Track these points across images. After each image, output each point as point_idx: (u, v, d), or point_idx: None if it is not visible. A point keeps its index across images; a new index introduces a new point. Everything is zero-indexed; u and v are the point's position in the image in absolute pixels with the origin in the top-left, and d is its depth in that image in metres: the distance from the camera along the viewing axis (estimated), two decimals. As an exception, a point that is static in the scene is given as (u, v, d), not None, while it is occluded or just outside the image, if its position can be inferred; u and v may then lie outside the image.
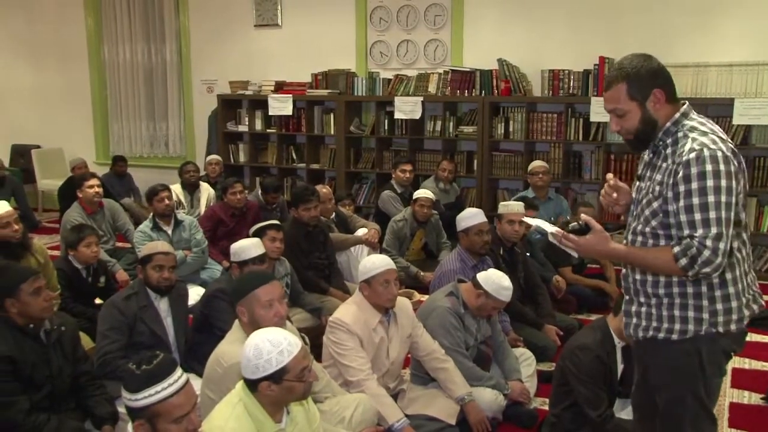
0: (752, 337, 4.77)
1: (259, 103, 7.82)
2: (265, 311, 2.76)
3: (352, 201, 6.73)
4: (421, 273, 5.58)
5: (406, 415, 3.20)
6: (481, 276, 3.52)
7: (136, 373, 2.05)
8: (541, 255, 5.20)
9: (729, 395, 3.91)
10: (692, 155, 2.07)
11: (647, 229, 2.21)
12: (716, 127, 2.18)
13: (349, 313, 3.30)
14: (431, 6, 7.27)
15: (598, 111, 6.22)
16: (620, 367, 3.17)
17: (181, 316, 3.72)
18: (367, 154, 7.58)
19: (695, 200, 2.04)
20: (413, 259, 5.82)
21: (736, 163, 2.09)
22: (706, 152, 2.05)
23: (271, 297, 2.78)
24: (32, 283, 2.93)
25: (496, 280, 3.46)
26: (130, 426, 2.10)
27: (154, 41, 8.76)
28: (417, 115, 6.99)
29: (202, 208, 6.68)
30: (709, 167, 2.04)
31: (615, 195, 2.43)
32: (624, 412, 3.24)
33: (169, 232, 5.41)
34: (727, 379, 4.10)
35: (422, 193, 5.83)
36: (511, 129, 6.82)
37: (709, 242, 2.02)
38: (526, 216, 4.41)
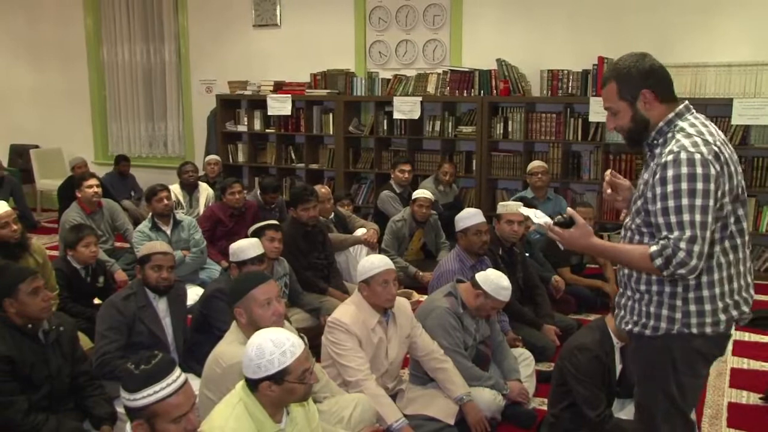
0: (750, 336, 4.77)
1: (258, 103, 7.82)
2: (264, 310, 2.76)
3: (351, 201, 6.73)
4: (420, 273, 5.58)
5: (405, 415, 3.20)
6: (479, 276, 3.52)
7: (134, 373, 2.05)
8: (540, 255, 5.20)
9: (727, 395, 3.91)
10: (670, 157, 2.09)
11: (633, 226, 2.27)
12: (708, 129, 2.17)
13: (347, 313, 3.30)
14: (430, 6, 7.27)
15: (597, 111, 6.22)
16: (619, 367, 3.17)
17: (180, 316, 3.72)
18: (366, 154, 7.58)
19: (670, 203, 2.07)
20: (412, 259, 5.82)
21: (717, 166, 2.08)
22: (683, 155, 2.07)
23: (269, 296, 2.78)
24: (30, 283, 2.93)
25: (494, 280, 3.46)
26: (128, 426, 2.09)
27: (153, 41, 8.76)
28: (416, 115, 6.99)
29: (201, 208, 6.68)
30: (684, 170, 2.06)
31: (609, 191, 2.48)
32: (623, 412, 3.24)
33: (168, 232, 5.41)
34: (726, 379, 4.10)
35: (421, 193, 5.84)
36: (510, 129, 6.82)
37: (683, 244, 2.05)
38: (524, 207, 4.46)
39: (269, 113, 7.67)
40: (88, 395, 3.10)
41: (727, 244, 2.19)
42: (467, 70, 6.93)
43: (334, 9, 7.65)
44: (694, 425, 2.39)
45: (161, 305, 3.62)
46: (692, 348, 2.22)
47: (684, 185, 2.05)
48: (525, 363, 3.86)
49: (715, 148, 2.10)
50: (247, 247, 3.83)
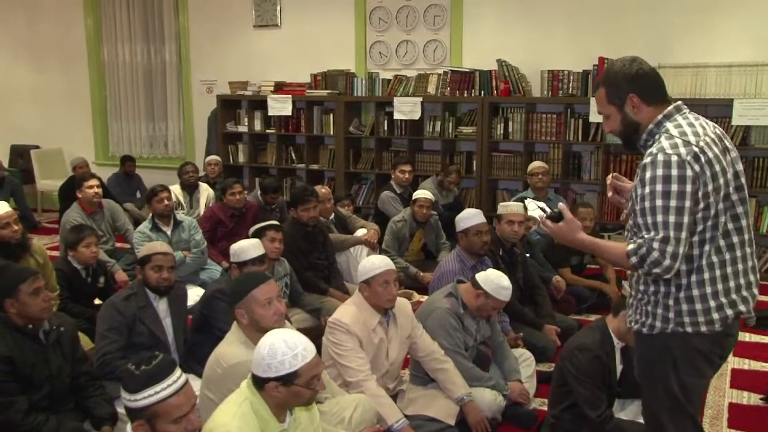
0: (751, 337, 4.77)
1: (259, 103, 7.82)
2: (265, 310, 2.76)
3: (352, 201, 6.73)
4: (421, 273, 5.58)
5: (406, 416, 3.20)
6: (480, 276, 3.52)
7: (135, 373, 2.05)
8: (541, 256, 5.20)
9: (728, 395, 3.91)
10: (648, 159, 2.15)
11: (628, 226, 2.33)
12: (693, 129, 2.18)
13: (348, 313, 3.30)
14: (431, 6, 7.27)
15: (597, 112, 6.21)
16: (619, 367, 3.17)
17: (180, 316, 3.72)
18: (367, 155, 7.58)
19: (647, 204, 2.12)
20: (412, 260, 5.82)
21: (697, 167, 2.10)
22: (660, 157, 2.12)
23: (269, 295, 2.79)
24: (31, 284, 2.93)
25: (495, 280, 3.46)
26: (129, 426, 2.09)
27: (154, 42, 8.76)
28: (416, 116, 6.99)
29: (202, 209, 6.68)
30: (659, 172, 2.10)
31: (610, 193, 2.54)
32: (623, 412, 3.24)
33: (169, 232, 5.41)
34: (727, 380, 4.10)
35: (421, 193, 5.83)
36: (510, 129, 6.82)
37: (656, 245, 2.09)
38: (529, 199, 4.49)
39: (270, 113, 7.67)
40: (88, 395, 3.10)
41: (721, 242, 2.19)
42: (468, 70, 6.93)
43: (335, 9, 7.65)
44: (701, 428, 2.40)
45: (162, 306, 3.61)
46: (691, 346, 2.23)
47: (659, 187, 2.10)
48: (525, 363, 3.86)
49: (696, 149, 2.12)
50: (247, 247, 3.83)
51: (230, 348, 2.76)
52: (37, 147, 9.20)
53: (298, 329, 3.25)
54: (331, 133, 7.56)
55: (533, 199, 4.92)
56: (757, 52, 6.03)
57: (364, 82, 7.37)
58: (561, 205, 2.40)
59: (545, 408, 3.49)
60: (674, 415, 2.30)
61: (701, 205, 2.13)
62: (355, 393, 3.11)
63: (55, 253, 5.91)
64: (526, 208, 4.87)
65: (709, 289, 2.20)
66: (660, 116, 2.25)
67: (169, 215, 5.46)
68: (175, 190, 6.62)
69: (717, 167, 2.15)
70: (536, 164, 6.18)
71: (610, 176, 2.57)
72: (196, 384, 2.56)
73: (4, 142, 9.41)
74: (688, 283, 2.21)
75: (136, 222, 6.55)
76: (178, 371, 2.10)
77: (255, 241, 3.98)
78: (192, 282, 5.24)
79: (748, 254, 2.27)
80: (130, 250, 5.66)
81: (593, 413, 3.01)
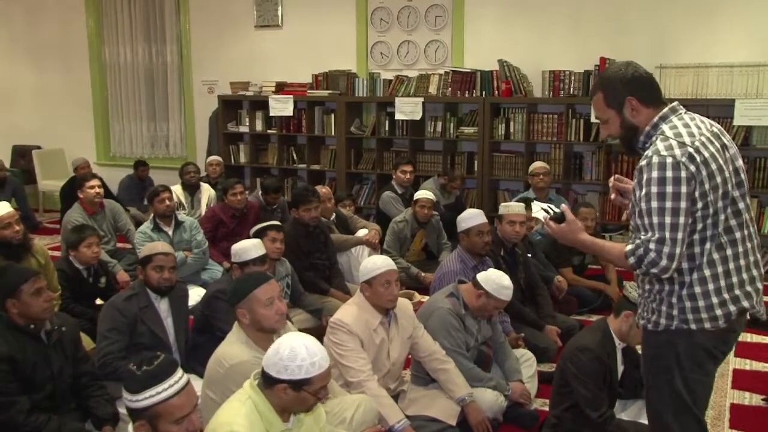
0: (753, 338, 4.77)
1: (260, 103, 7.82)
2: (266, 310, 2.76)
3: (353, 202, 6.74)
4: (422, 274, 5.58)
5: (407, 416, 3.19)
6: (480, 276, 3.51)
7: (136, 374, 2.05)
8: (542, 256, 5.20)
9: (730, 396, 3.91)
10: (644, 162, 2.18)
11: (632, 227, 2.33)
12: (689, 129, 2.20)
13: (349, 313, 3.30)
14: (432, 7, 7.27)
15: (598, 112, 6.22)
16: (620, 368, 3.17)
17: (182, 316, 3.72)
18: (368, 155, 7.58)
19: (643, 205, 2.15)
20: (414, 260, 5.82)
21: (692, 167, 2.12)
22: (655, 159, 2.14)
23: (271, 295, 2.79)
24: (33, 284, 2.93)
25: (496, 280, 3.46)
26: (130, 426, 2.09)
27: (155, 42, 8.77)
28: (417, 116, 6.99)
29: (203, 209, 6.68)
30: (654, 174, 2.13)
31: (613, 196, 2.57)
32: (625, 413, 3.25)
33: (170, 233, 5.42)
34: (728, 380, 4.10)
35: (423, 194, 5.83)
36: (511, 130, 6.82)
37: (652, 245, 2.12)
38: (535, 202, 4.80)
39: (271, 114, 7.68)
40: (90, 396, 3.10)
41: (723, 239, 2.21)
42: (469, 70, 6.93)
43: (336, 9, 7.65)
44: (707, 428, 2.41)
45: (163, 306, 3.62)
46: (695, 343, 2.25)
47: (654, 189, 2.13)
48: (527, 364, 3.86)
49: (691, 149, 2.13)
50: (249, 247, 3.84)
51: (232, 348, 2.76)
52: (39, 147, 9.21)
53: (300, 330, 3.26)
54: (333, 133, 7.56)
55: (536, 200, 4.97)
56: (759, 52, 6.03)
57: (365, 82, 7.37)
58: (563, 206, 2.45)
59: (546, 408, 3.48)
60: (679, 414, 2.31)
61: (699, 205, 2.15)
62: (356, 393, 3.10)
63: (57, 254, 5.92)
64: (530, 208, 4.89)
65: (711, 286, 2.21)
66: (656, 118, 2.27)
67: (170, 215, 5.46)
68: (177, 190, 6.63)
69: (714, 166, 2.16)
70: (537, 165, 6.18)
71: (612, 178, 2.60)
72: (197, 384, 2.56)
73: (5, 142, 9.42)
74: (690, 281, 2.22)
75: (139, 224, 6.56)
76: (179, 371, 2.10)
77: (256, 241, 3.98)
78: (193, 282, 5.25)
79: (750, 249, 2.27)
80: (132, 250, 5.66)
81: (594, 414, 3.01)
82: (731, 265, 2.22)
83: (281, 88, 7.70)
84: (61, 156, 9.15)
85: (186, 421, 2.06)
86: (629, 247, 2.18)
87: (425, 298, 4.71)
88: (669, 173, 2.11)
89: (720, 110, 5.94)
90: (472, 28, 7.13)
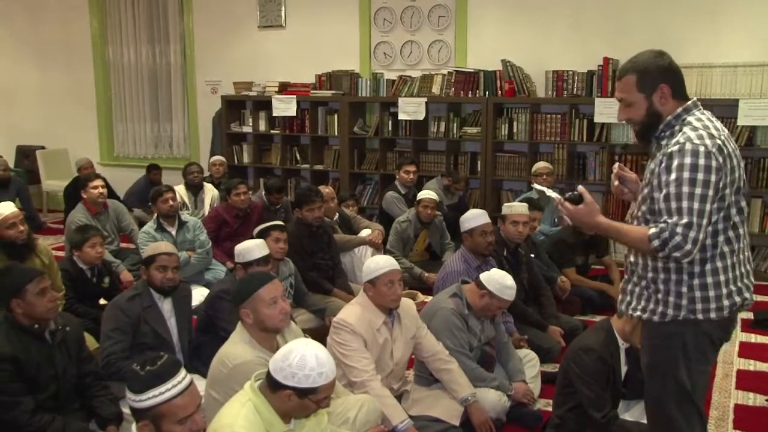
0: (756, 338, 4.76)
1: (263, 104, 7.83)
2: (270, 309, 2.77)
3: (356, 202, 6.74)
4: (425, 274, 5.58)
5: (410, 416, 3.19)
6: (483, 276, 3.51)
7: (140, 374, 2.05)
8: (546, 256, 5.19)
9: (734, 397, 3.90)
10: (675, 148, 2.21)
11: (639, 214, 2.37)
12: (713, 124, 2.28)
13: (353, 313, 3.31)
14: (435, 7, 7.27)
15: (602, 112, 6.22)
16: (624, 368, 3.16)
17: (185, 316, 3.73)
18: (371, 155, 7.58)
19: (672, 189, 2.18)
20: (417, 260, 5.82)
21: (720, 159, 2.19)
22: (688, 146, 2.18)
23: (275, 294, 2.79)
24: (37, 284, 2.94)
25: (499, 279, 3.46)
26: (134, 426, 2.10)
27: (159, 42, 8.78)
28: (421, 116, 6.99)
29: (206, 209, 6.69)
30: (688, 160, 2.17)
31: (616, 183, 2.57)
32: (628, 413, 3.24)
33: (173, 233, 5.42)
34: (732, 381, 4.09)
35: (426, 194, 5.83)
36: (515, 130, 6.81)
37: (679, 229, 2.15)
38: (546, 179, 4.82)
39: (274, 114, 7.68)
40: (93, 395, 3.11)
41: (730, 234, 2.29)
42: (472, 70, 6.92)
43: (339, 10, 7.66)
44: (706, 418, 2.46)
45: (166, 306, 3.63)
46: (701, 332, 2.31)
47: (686, 174, 2.16)
48: (530, 364, 3.86)
49: (719, 142, 2.21)
50: (252, 247, 3.84)
51: (235, 348, 2.76)
52: (43, 147, 9.23)
53: (303, 330, 3.27)
54: (336, 133, 7.57)
55: (533, 207, 4.95)
56: (763, 52, 6.01)
57: (368, 82, 7.38)
58: (580, 187, 2.40)
59: (550, 409, 3.48)
60: (682, 405, 2.35)
61: (718, 196, 2.21)
62: (359, 393, 3.11)
63: (61, 254, 5.93)
64: (532, 203, 4.89)
65: (722, 277, 2.28)
66: (680, 109, 2.32)
67: (173, 215, 5.47)
68: (180, 190, 6.63)
69: (734, 161, 2.25)
70: (541, 165, 6.17)
71: (616, 165, 2.63)
72: (200, 384, 2.56)
73: (9, 142, 9.44)
74: (702, 271, 2.27)
75: (143, 224, 6.57)
76: (182, 372, 2.11)
77: (259, 241, 3.99)
78: (196, 282, 5.26)
79: (746, 245, 2.39)
80: (135, 250, 5.67)
81: (598, 414, 3.01)
82: (735, 259, 2.31)
83: (284, 88, 7.70)
84: (65, 156, 9.16)
85: (189, 422, 2.07)
86: (653, 230, 2.19)
87: (428, 299, 4.70)
88: (702, 161, 2.16)
89: (724, 110, 5.92)
90: (475, 28, 7.12)
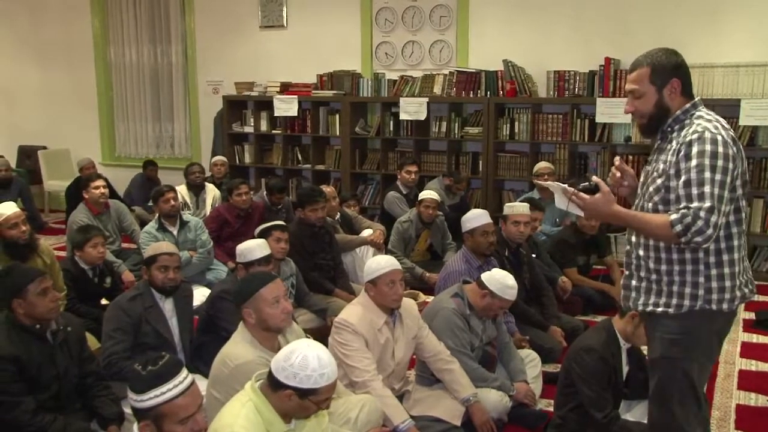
0: (758, 338, 4.76)
1: (265, 104, 7.83)
2: (273, 309, 2.77)
3: (358, 202, 6.74)
4: (427, 274, 5.58)
5: (411, 416, 3.19)
6: (485, 276, 3.51)
7: (141, 374, 2.05)
8: (547, 256, 5.19)
9: (735, 397, 3.89)
10: (694, 136, 2.26)
11: (650, 205, 2.38)
12: (722, 120, 2.35)
13: (354, 313, 3.31)
14: (437, 7, 7.26)
15: (603, 112, 6.22)
16: (625, 368, 3.16)
17: (186, 316, 3.73)
18: (373, 155, 7.58)
19: (693, 176, 2.21)
20: (418, 260, 5.82)
21: (734, 149, 2.25)
22: (707, 134, 2.24)
23: (277, 294, 2.79)
24: (39, 284, 2.94)
25: (500, 279, 3.46)
26: (135, 426, 2.10)
27: (160, 43, 8.79)
28: (422, 116, 6.99)
29: (208, 209, 6.69)
30: (708, 147, 2.22)
31: (618, 174, 2.62)
32: (630, 413, 3.24)
33: (175, 232, 5.43)
34: (734, 381, 4.09)
35: (427, 194, 5.83)
36: (516, 130, 6.81)
37: (702, 213, 2.17)
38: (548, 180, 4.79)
39: (276, 114, 7.68)
40: (95, 395, 3.11)
41: (739, 227, 2.35)
42: (474, 71, 6.92)
43: (341, 10, 7.66)
44: (707, 401, 2.53)
45: (167, 306, 3.63)
46: (713, 327, 2.36)
47: (707, 161, 2.21)
48: (532, 364, 3.86)
49: (732, 134, 2.29)
50: (253, 247, 3.84)
51: (237, 348, 2.76)
52: (44, 148, 9.24)
53: (304, 330, 3.27)
54: (337, 133, 7.57)
55: (535, 207, 4.95)
56: (765, 51, 6.00)
57: (370, 82, 7.38)
58: (595, 177, 2.41)
59: (551, 409, 3.48)
60: (684, 398, 2.38)
61: (732, 185, 2.26)
62: (361, 393, 3.11)
63: (62, 254, 5.94)
64: (534, 203, 4.88)
65: (736, 268, 2.35)
66: (688, 105, 2.39)
67: (175, 215, 5.47)
68: (182, 190, 6.64)
69: (743, 154, 2.32)
70: (542, 165, 6.17)
71: (617, 158, 2.66)
72: (202, 384, 2.57)
73: (11, 142, 9.45)
74: (719, 261, 2.31)
75: (144, 224, 6.58)
76: (184, 372, 2.11)
77: (261, 241, 3.99)
78: (198, 282, 5.26)
79: (746, 243, 2.45)
80: (137, 250, 5.68)
81: (599, 414, 3.01)
82: (741, 253, 2.36)
83: (286, 88, 7.70)
84: (67, 156, 9.17)
85: (191, 421, 2.07)
86: (674, 216, 2.20)
87: (430, 299, 4.70)
88: (721, 149, 2.21)
89: (726, 110, 5.90)
90: (476, 28, 7.12)
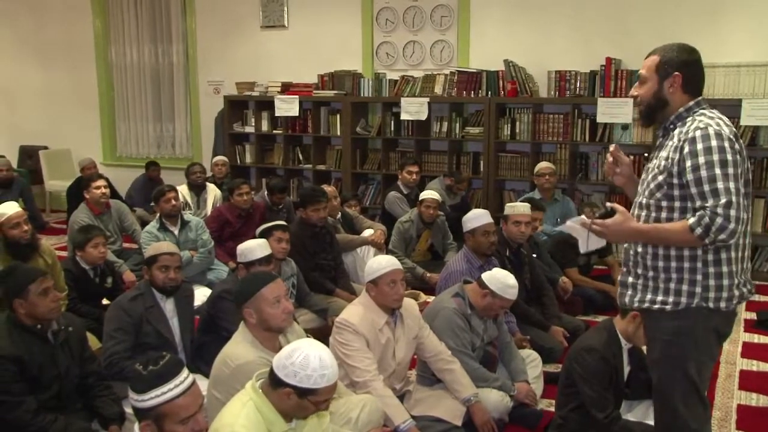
0: (759, 338, 4.75)
1: (266, 104, 7.84)
2: (274, 309, 2.77)
3: (359, 202, 6.74)
4: (428, 274, 5.58)
5: (412, 416, 3.19)
6: (485, 276, 3.51)
7: (142, 374, 2.06)
8: (548, 256, 5.19)
9: (737, 397, 3.89)
10: (698, 132, 2.26)
11: (651, 201, 2.38)
12: (724, 118, 2.36)
13: (355, 313, 3.31)
14: (437, 7, 7.26)
15: (604, 112, 6.22)
16: (627, 368, 3.16)
17: (187, 316, 3.73)
18: (374, 155, 7.58)
19: (703, 173, 2.20)
20: (419, 260, 5.82)
21: (738, 146, 2.26)
22: (711, 130, 2.24)
23: (278, 294, 2.79)
24: (40, 284, 2.94)
25: (501, 279, 3.46)
26: (136, 426, 2.10)
27: (161, 43, 8.79)
28: (423, 116, 6.99)
29: (209, 209, 6.70)
30: (714, 143, 2.22)
31: (611, 159, 2.62)
32: (631, 413, 3.24)
33: (176, 232, 5.43)
34: (735, 381, 4.08)
35: (428, 194, 5.83)
36: (517, 130, 6.81)
37: (720, 210, 2.16)
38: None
39: (277, 114, 7.69)
40: (96, 395, 3.11)
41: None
42: (474, 71, 6.92)
43: (342, 10, 7.66)
44: (708, 403, 2.49)
45: (168, 306, 3.63)
46: (710, 324, 2.34)
47: (715, 156, 2.20)
48: (533, 364, 3.86)
49: (735, 131, 2.30)
50: (254, 247, 3.84)
51: (238, 348, 2.76)
52: (46, 148, 9.24)
53: (305, 330, 3.27)
54: (338, 133, 7.57)
55: (535, 207, 4.95)
56: (766, 51, 6.00)
57: (370, 82, 7.38)
58: (609, 203, 2.44)
59: (552, 409, 3.48)
60: (686, 396, 2.38)
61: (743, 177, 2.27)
62: (362, 393, 3.11)
63: (64, 254, 5.94)
64: (534, 203, 4.88)
65: (735, 267, 2.32)
66: (692, 103, 2.39)
67: (176, 215, 5.48)
68: (183, 190, 6.64)
69: (745, 153, 2.31)
70: (543, 165, 6.17)
71: (612, 145, 2.65)
72: (203, 384, 2.57)
73: (12, 142, 9.46)
74: (718, 259, 2.30)
75: (145, 224, 6.58)
76: (185, 372, 2.11)
77: (262, 241, 3.99)
78: (199, 282, 5.26)
79: (748, 243, 2.43)
80: (138, 250, 5.68)
81: (600, 414, 3.00)
82: (741, 253, 2.35)
83: (287, 88, 7.71)
84: (68, 156, 9.18)
85: (191, 421, 2.07)
86: (692, 219, 2.20)
87: (431, 299, 4.70)
88: (726, 144, 2.22)
89: (727, 110, 5.81)
90: (477, 28, 7.12)
